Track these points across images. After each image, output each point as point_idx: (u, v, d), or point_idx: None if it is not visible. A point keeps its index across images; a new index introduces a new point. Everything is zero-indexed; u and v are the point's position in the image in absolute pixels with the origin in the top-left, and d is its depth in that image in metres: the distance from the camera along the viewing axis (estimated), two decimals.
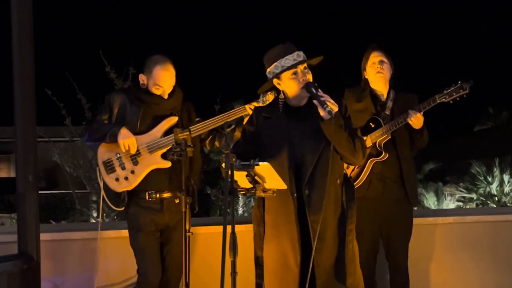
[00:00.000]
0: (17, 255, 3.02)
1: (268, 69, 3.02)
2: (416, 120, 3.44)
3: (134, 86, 3.53)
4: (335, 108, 2.83)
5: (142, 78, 3.42)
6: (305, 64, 2.98)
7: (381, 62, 3.60)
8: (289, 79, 2.97)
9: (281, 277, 2.94)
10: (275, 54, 2.99)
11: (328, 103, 2.81)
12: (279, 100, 3.07)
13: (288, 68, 2.93)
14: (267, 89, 3.13)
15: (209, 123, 3.38)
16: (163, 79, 3.35)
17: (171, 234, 3.41)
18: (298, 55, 2.97)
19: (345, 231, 2.97)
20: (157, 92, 3.37)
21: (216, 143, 3.54)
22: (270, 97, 3.25)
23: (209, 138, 3.56)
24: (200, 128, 3.36)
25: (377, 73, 3.59)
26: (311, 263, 2.84)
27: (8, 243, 3.48)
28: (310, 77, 2.97)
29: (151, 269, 3.34)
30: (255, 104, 3.33)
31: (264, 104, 3.27)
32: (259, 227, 3.04)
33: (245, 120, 3.28)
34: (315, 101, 2.87)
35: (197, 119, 3.48)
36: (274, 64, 2.97)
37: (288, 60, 2.94)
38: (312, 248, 2.86)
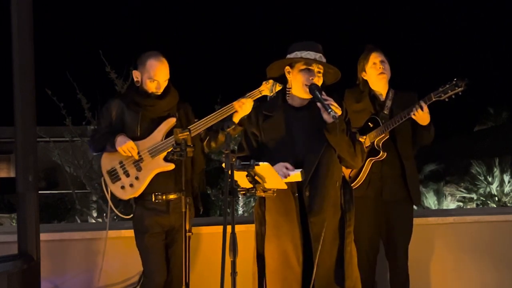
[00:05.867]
0: (17, 255, 3.01)
1: (287, 55, 3.02)
2: (422, 116, 3.41)
3: (129, 89, 3.52)
4: (338, 111, 2.83)
5: (135, 74, 3.41)
6: (322, 70, 2.98)
7: (382, 62, 3.58)
8: (300, 71, 2.97)
9: (283, 276, 2.93)
10: (301, 45, 3.01)
11: (332, 106, 2.81)
12: (287, 89, 3.05)
13: (306, 60, 2.95)
14: (274, 70, 3.07)
15: (208, 120, 3.35)
16: (157, 71, 3.33)
17: (176, 235, 3.40)
18: (321, 58, 2.99)
19: (344, 234, 2.98)
20: (151, 86, 3.34)
21: (212, 144, 3.49)
22: (277, 88, 3.21)
23: (206, 140, 3.51)
24: (199, 126, 3.34)
25: (380, 74, 3.57)
26: (315, 264, 2.84)
27: (8, 243, 3.48)
28: (319, 82, 2.97)
29: (156, 271, 3.34)
30: (264, 88, 3.28)
31: (272, 94, 3.26)
32: (261, 226, 3.04)
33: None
34: (319, 104, 2.86)
35: (195, 120, 3.44)
36: (295, 52, 2.99)
37: (310, 55, 2.96)
38: (311, 249, 2.87)
